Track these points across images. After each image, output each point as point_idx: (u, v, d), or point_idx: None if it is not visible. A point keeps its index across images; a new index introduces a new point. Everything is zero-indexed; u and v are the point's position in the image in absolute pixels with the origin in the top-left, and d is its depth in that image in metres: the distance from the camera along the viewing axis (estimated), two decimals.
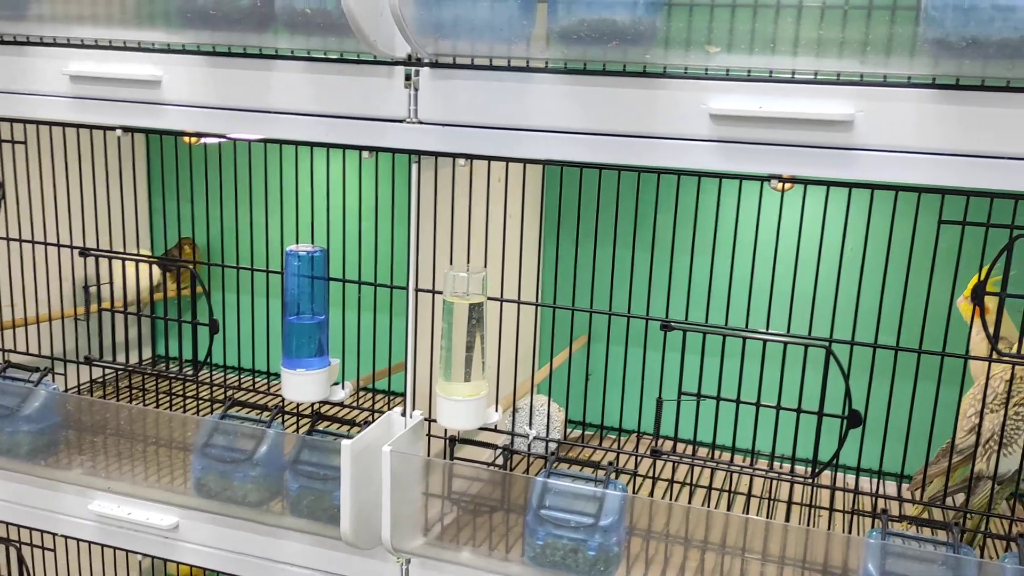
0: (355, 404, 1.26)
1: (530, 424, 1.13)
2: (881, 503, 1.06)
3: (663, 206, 1.05)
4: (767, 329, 1.01)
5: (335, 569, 1.17)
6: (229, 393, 1.28)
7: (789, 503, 1.05)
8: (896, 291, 0.98)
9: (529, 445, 1.12)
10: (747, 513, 1.08)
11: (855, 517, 1.03)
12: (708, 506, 1.13)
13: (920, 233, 0.96)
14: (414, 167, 1.05)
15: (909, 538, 0.96)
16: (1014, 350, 1.12)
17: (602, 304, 1.10)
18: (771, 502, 1.10)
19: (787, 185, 1.10)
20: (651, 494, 1.12)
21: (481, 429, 1.09)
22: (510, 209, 1.09)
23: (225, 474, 1.14)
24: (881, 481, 1.14)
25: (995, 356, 0.92)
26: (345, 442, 1.02)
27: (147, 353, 1.69)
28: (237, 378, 1.45)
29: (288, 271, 1.09)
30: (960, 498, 1.11)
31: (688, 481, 1.09)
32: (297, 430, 1.25)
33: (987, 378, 0.99)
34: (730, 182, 0.98)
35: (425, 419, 1.12)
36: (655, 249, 1.07)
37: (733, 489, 1.08)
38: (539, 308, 1.32)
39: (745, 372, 1.03)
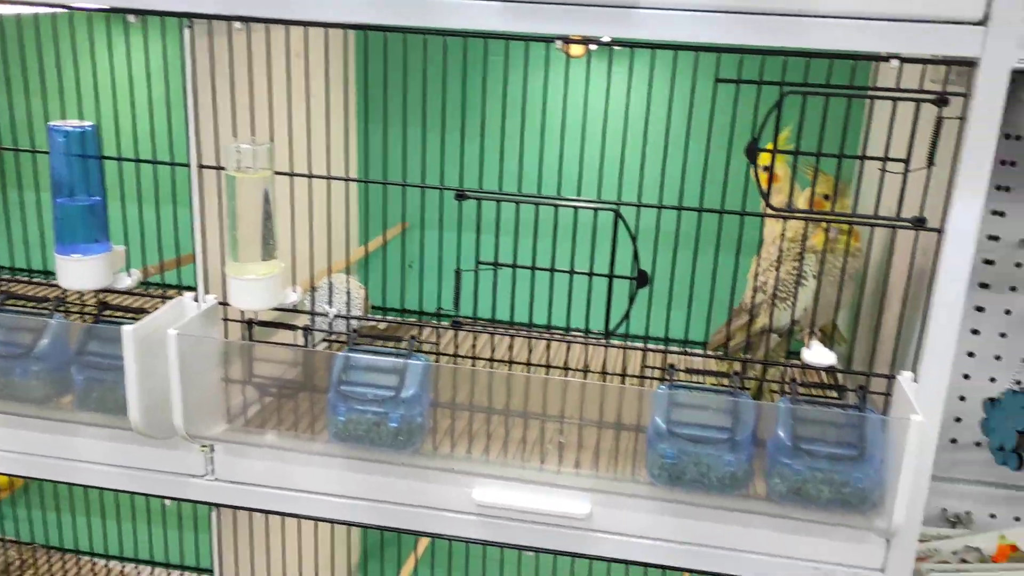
0: (145, 292, 1.19)
1: (330, 303, 1.11)
2: (671, 362, 1.11)
3: (452, 74, 1.03)
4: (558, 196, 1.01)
5: (136, 463, 1.13)
6: (3, 288, 1.18)
7: (584, 371, 1.08)
8: (681, 154, 1.01)
9: (330, 324, 1.10)
10: (548, 359, 1.10)
11: (646, 380, 1.07)
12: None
13: (700, 94, 0.98)
14: (186, 32, 0.97)
15: (693, 388, 1.01)
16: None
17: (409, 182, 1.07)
18: (567, 371, 1.13)
19: (577, 50, 1.10)
20: (455, 354, 1.12)
21: (278, 310, 1.05)
22: (309, 82, 1.03)
23: (5, 371, 1.07)
24: (667, 347, 1.19)
25: (768, 211, 0.97)
26: (127, 328, 0.96)
27: None
28: (11, 275, 1.35)
29: (53, 150, 1.01)
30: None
31: (489, 356, 1.10)
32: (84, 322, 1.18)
33: (760, 234, 1.03)
34: (518, 48, 0.96)
35: (219, 303, 1.07)
36: (447, 120, 1.05)
37: (531, 361, 1.10)
38: (352, 186, 1.28)
39: (541, 245, 1.03)
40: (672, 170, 1.02)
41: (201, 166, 1.02)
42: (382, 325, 1.23)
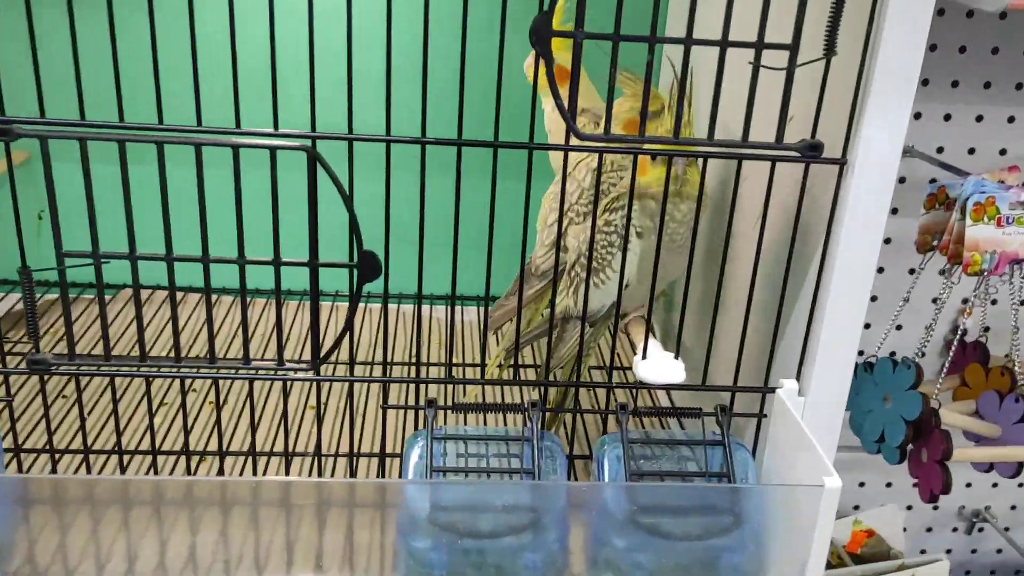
0: None
1: None
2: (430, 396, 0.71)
3: None
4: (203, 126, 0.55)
5: None
6: None
7: (284, 400, 0.64)
8: (413, 48, 0.58)
9: None
10: (220, 420, 0.66)
11: (388, 413, 0.65)
12: (155, 425, 0.70)
13: None
14: None
15: (468, 438, 0.62)
16: (600, 127, 0.79)
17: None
18: (254, 410, 0.69)
19: None
20: (47, 421, 0.64)
21: None
22: None
23: None
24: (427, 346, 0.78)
25: (572, 141, 0.56)
26: None
27: None
28: None
29: None
30: (543, 353, 0.80)
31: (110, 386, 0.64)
32: None
33: (564, 167, 0.64)
34: None
35: None
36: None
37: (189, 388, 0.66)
38: None
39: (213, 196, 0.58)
40: (404, 77, 0.59)
41: None
42: None
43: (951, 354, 0.86)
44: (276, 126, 0.55)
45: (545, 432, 0.62)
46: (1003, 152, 1.00)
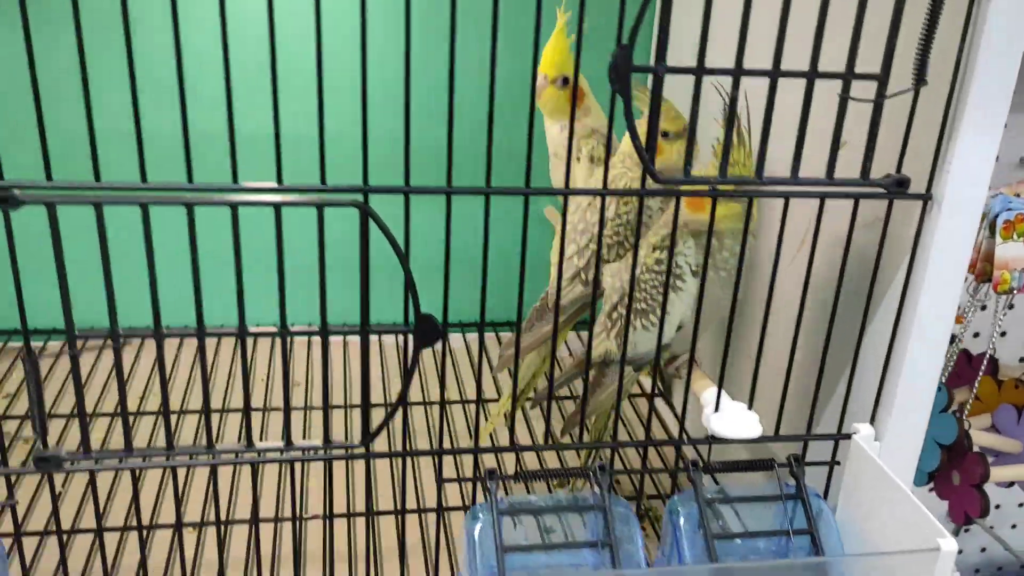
0: None
1: None
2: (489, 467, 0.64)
3: None
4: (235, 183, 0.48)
5: None
6: None
7: (328, 486, 0.57)
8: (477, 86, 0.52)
9: None
10: (257, 496, 0.57)
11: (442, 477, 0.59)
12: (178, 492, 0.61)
13: None
14: None
15: (517, 512, 0.56)
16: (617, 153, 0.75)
17: None
18: (295, 496, 0.62)
19: None
20: (56, 518, 0.55)
21: None
22: None
23: None
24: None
25: (649, 184, 0.51)
26: None
27: None
28: None
29: None
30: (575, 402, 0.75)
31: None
32: None
33: (639, 210, 0.59)
34: None
35: None
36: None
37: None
38: None
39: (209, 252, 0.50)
40: (468, 120, 0.53)
41: None
42: None
43: (982, 370, 0.84)
44: (323, 180, 0.48)
45: (614, 496, 0.57)
46: (996, 159, 1.00)
